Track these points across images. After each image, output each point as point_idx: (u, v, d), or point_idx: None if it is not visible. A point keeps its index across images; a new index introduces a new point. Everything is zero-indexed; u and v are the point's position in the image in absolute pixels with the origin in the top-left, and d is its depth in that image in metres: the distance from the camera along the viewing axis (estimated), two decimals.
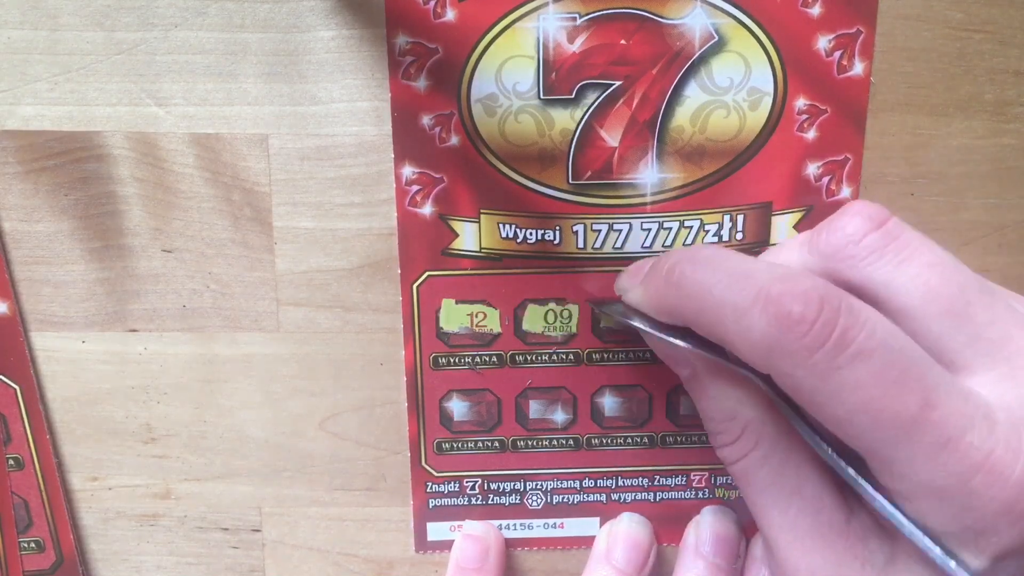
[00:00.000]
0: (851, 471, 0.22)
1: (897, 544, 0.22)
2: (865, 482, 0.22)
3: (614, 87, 0.27)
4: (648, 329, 0.25)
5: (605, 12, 0.26)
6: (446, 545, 0.31)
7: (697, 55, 0.27)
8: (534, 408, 0.30)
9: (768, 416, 0.24)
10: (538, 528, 0.31)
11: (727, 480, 0.31)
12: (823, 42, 0.27)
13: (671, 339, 0.25)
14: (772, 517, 0.24)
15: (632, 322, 0.26)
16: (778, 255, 0.25)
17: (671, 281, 0.24)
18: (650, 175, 0.28)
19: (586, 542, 0.32)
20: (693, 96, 0.27)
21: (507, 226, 0.28)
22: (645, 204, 0.28)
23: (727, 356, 0.24)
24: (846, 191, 0.28)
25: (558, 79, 0.27)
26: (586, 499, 0.31)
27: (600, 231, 0.28)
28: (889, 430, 0.20)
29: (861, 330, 0.21)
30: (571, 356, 0.30)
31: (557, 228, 0.28)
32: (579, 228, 0.28)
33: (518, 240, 0.28)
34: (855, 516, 0.24)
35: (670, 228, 0.28)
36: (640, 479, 0.31)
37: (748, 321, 0.21)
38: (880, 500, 0.22)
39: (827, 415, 0.21)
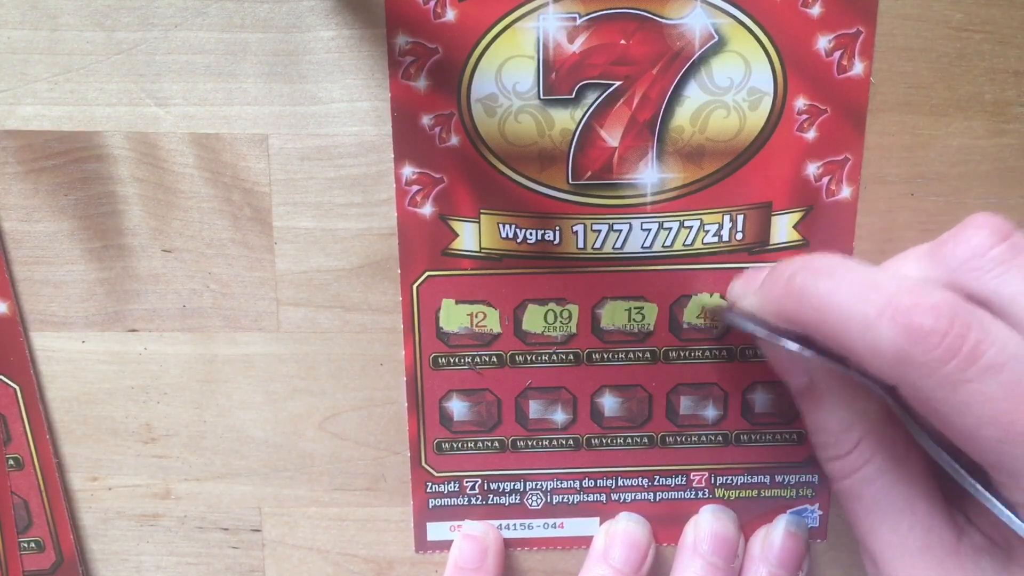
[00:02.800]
0: (976, 484, 0.22)
1: (1012, 562, 0.22)
2: (991, 495, 0.22)
3: (614, 87, 0.27)
4: (768, 337, 0.25)
5: (605, 12, 0.26)
6: (446, 545, 0.31)
7: (697, 55, 0.27)
8: (534, 408, 0.30)
9: (884, 430, 0.24)
10: (538, 528, 0.31)
11: (727, 480, 0.31)
12: (823, 42, 0.27)
13: (795, 347, 0.24)
14: (882, 535, 0.24)
15: (750, 329, 0.26)
16: (899, 266, 0.25)
17: (792, 290, 0.24)
18: (650, 175, 0.28)
19: (586, 542, 0.32)
20: (693, 96, 0.27)
21: (507, 226, 0.28)
22: (645, 204, 0.28)
23: (848, 366, 0.24)
24: (846, 191, 0.28)
25: (558, 79, 0.27)
26: (586, 499, 0.31)
27: (600, 231, 0.28)
28: (1018, 443, 0.20)
29: (992, 344, 0.21)
30: (571, 356, 0.30)
31: (557, 228, 0.28)
32: (579, 228, 0.28)
33: (518, 240, 0.28)
34: (965, 534, 0.24)
35: (670, 228, 0.28)
36: (640, 479, 0.31)
37: (876, 332, 0.21)
38: (1007, 513, 0.22)
39: (955, 427, 0.21)
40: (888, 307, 0.21)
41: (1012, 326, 0.22)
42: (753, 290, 0.26)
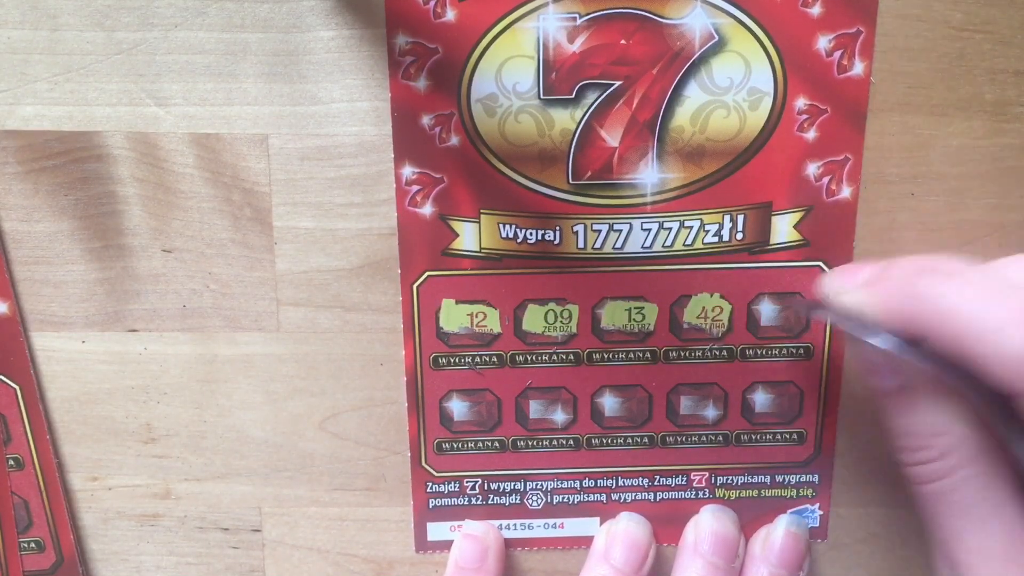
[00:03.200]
0: None
1: None
2: None
3: (614, 87, 0.27)
4: (866, 336, 0.25)
5: (605, 12, 0.26)
6: (446, 545, 0.31)
7: (697, 55, 0.27)
8: (534, 408, 0.30)
9: (974, 438, 0.24)
10: (538, 528, 0.31)
11: (727, 480, 0.31)
12: (823, 42, 0.27)
13: (898, 349, 0.24)
14: (967, 541, 0.24)
15: (845, 326, 0.26)
16: (1006, 269, 0.24)
17: (913, 290, 0.23)
18: (650, 175, 0.28)
19: (586, 542, 0.32)
20: (693, 96, 0.27)
21: (507, 226, 0.28)
22: (645, 204, 0.28)
23: (953, 370, 0.23)
24: (846, 191, 0.28)
25: (558, 79, 0.27)
26: (586, 499, 0.31)
27: (600, 231, 0.28)
28: None
29: None
30: (571, 356, 0.30)
31: (557, 228, 0.28)
32: (579, 228, 0.28)
33: (518, 240, 0.28)
34: None
35: (670, 228, 0.28)
36: (640, 479, 0.31)
37: (1006, 338, 0.21)
38: None
39: None
40: (1020, 312, 0.21)
41: None
42: (856, 287, 0.26)
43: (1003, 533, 0.23)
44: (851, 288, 0.26)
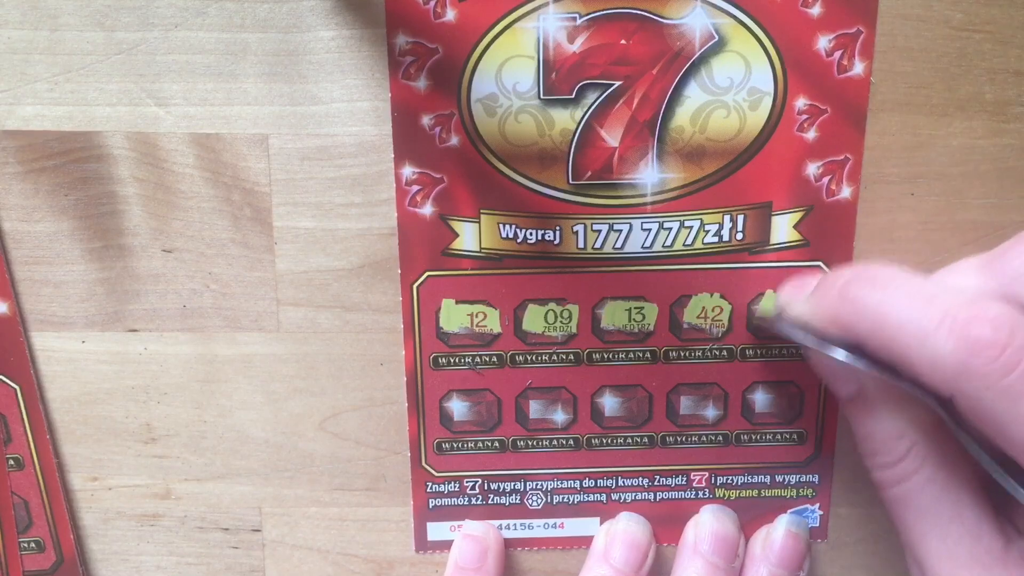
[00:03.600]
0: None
1: None
2: None
3: (614, 87, 0.27)
4: (818, 346, 0.25)
5: (605, 12, 0.26)
6: (446, 545, 0.31)
7: (697, 55, 0.27)
8: (534, 408, 0.30)
9: (934, 439, 0.24)
10: (538, 528, 0.31)
11: (727, 480, 0.31)
12: (823, 42, 0.27)
13: (845, 356, 0.24)
14: (930, 544, 0.24)
15: (798, 338, 0.26)
16: (949, 278, 0.25)
17: (846, 298, 0.24)
18: (650, 175, 0.28)
19: (586, 542, 0.32)
20: (693, 96, 0.27)
21: (507, 226, 0.28)
22: (645, 204, 0.28)
23: (899, 375, 0.24)
24: (846, 191, 0.28)
25: (558, 79, 0.27)
26: (586, 499, 0.31)
27: (600, 231, 0.28)
28: None
29: None
30: (571, 356, 0.30)
31: (557, 228, 0.28)
32: (579, 228, 0.28)
33: (518, 240, 0.28)
34: (1013, 543, 0.24)
35: (670, 228, 0.28)
36: (640, 479, 0.31)
37: (935, 344, 0.22)
38: None
39: (1012, 439, 0.21)
40: (947, 318, 0.22)
41: None
42: (804, 297, 0.26)
43: (965, 534, 0.24)
44: (800, 299, 0.26)
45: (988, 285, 0.23)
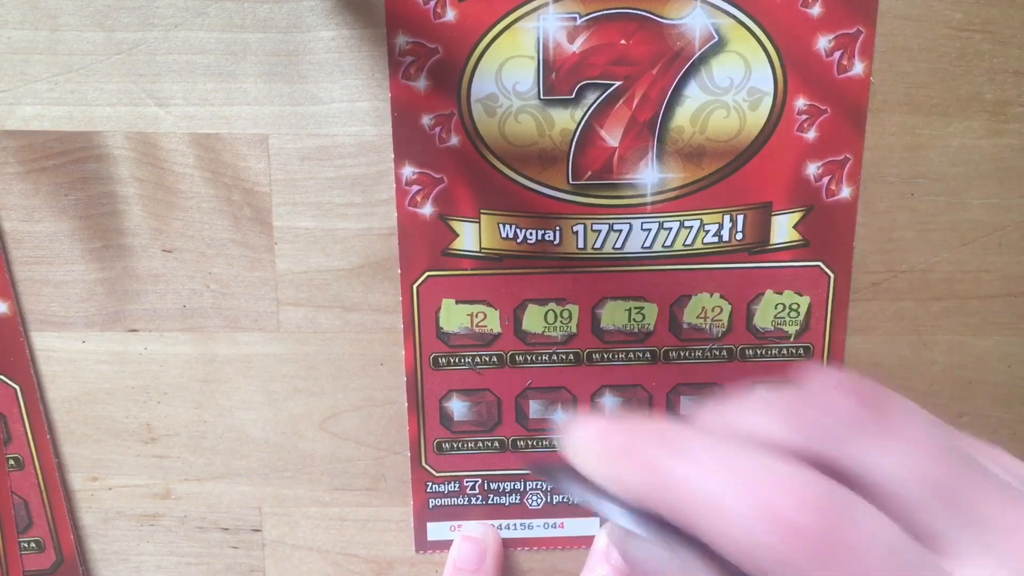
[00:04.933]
0: None
1: None
2: None
3: (614, 87, 0.27)
4: (607, 513, 0.22)
5: (605, 12, 0.26)
6: (446, 545, 0.31)
7: (697, 55, 0.27)
8: (534, 408, 0.30)
9: None
10: (538, 528, 0.31)
11: None
12: (823, 42, 0.27)
13: (632, 527, 0.22)
14: None
15: (583, 499, 0.22)
16: (752, 424, 0.23)
17: (652, 470, 0.22)
18: (650, 175, 0.28)
19: (586, 542, 0.32)
20: (693, 96, 0.27)
21: (507, 226, 0.28)
22: (645, 204, 0.28)
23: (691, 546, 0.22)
24: (846, 191, 0.28)
25: (558, 79, 0.27)
26: None
27: (600, 231, 0.28)
28: None
29: (862, 533, 0.20)
30: (571, 356, 0.30)
31: (557, 228, 0.28)
32: (579, 228, 0.28)
33: (518, 240, 0.28)
34: None
35: (670, 228, 0.28)
36: None
37: (746, 530, 0.20)
38: None
39: None
40: (758, 503, 0.20)
41: (873, 494, 0.21)
42: (598, 453, 0.23)
43: None
44: (593, 454, 0.23)
45: (792, 438, 0.22)
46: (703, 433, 0.22)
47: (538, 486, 0.31)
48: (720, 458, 0.21)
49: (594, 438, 0.23)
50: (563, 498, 0.31)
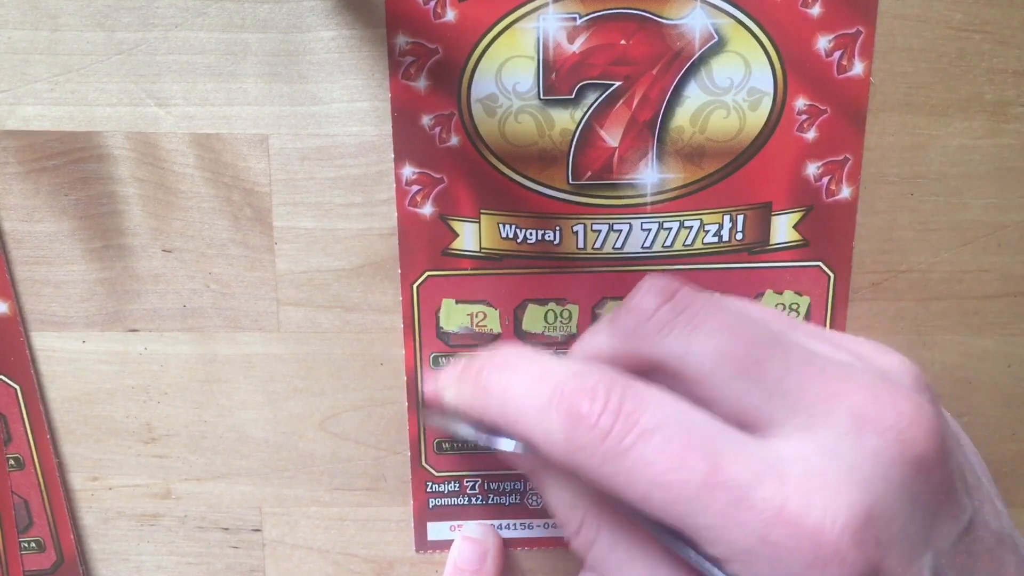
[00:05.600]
0: (684, 547, 0.22)
1: None
2: (698, 556, 0.22)
3: (614, 87, 0.27)
4: (468, 434, 0.25)
5: (605, 12, 0.26)
6: (446, 545, 0.31)
7: (697, 55, 0.27)
8: None
9: (605, 504, 0.24)
10: (538, 528, 0.31)
11: None
12: (823, 42, 0.27)
13: (489, 442, 0.25)
14: None
15: (459, 432, 0.26)
16: (589, 342, 0.25)
17: (479, 385, 0.24)
18: (650, 175, 0.28)
19: None
20: (693, 96, 0.27)
21: (507, 226, 0.28)
22: (645, 204, 0.28)
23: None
24: (846, 191, 0.28)
25: (558, 79, 0.27)
26: None
27: (600, 231, 0.28)
28: (683, 500, 0.21)
29: (644, 411, 0.21)
30: None
31: (557, 228, 0.28)
32: (579, 228, 0.28)
33: (518, 240, 0.28)
34: None
35: (670, 228, 0.28)
36: None
37: (547, 422, 0.22)
38: (709, 568, 0.21)
39: (629, 497, 0.22)
40: (555, 395, 0.22)
41: (684, 383, 0.23)
42: (451, 384, 0.26)
43: None
44: (449, 384, 0.26)
45: (615, 343, 0.24)
46: (530, 351, 0.24)
47: None
48: (536, 367, 0.23)
49: (449, 371, 0.26)
50: None
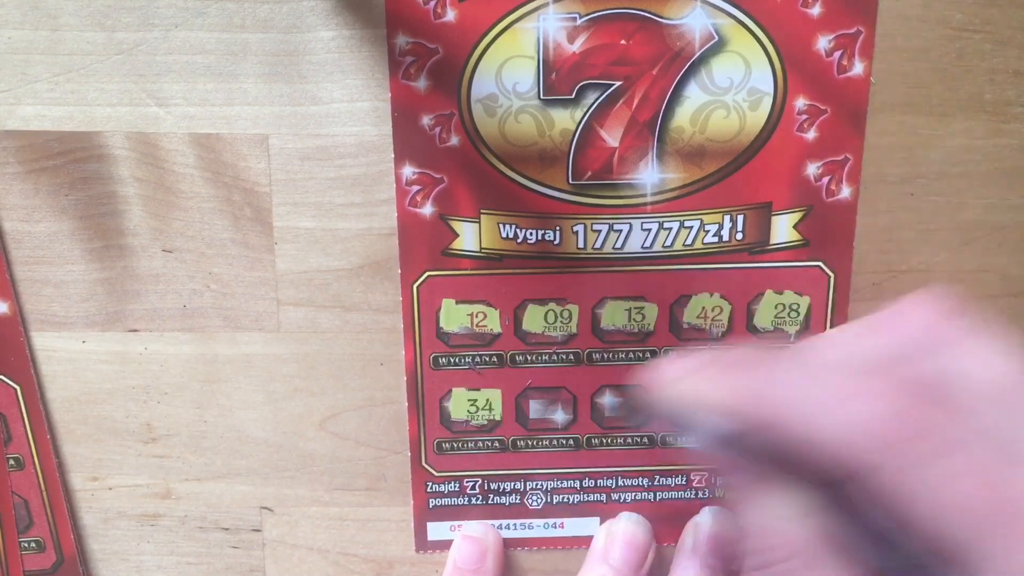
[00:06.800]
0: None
1: None
2: None
3: (614, 87, 0.27)
4: (703, 436, 0.24)
5: (605, 12, 0.26)
6: (446, 545, 0.31)
7: (697, 55, 0.27)
8: (534, 408, 0.30)
9: (804, 528, 0.24)
10: (538, 528, 0.31)
11: (727, 480, 0.31)
12: (823, 42, 0.27)
13: (727, 443, 0.24)
14: None
15: (679, 422, 0.25)
16: (842, 340, 0.24)
17: (755, 376, 0.23)
18: (650, 175, 0.28)
19: (586, 542, 0.32)
20: (693, 96, 0.27)
21: (507, 226, 0.28)
22: (645, 204, 0.28)
23: (783, 464, 0.23)
24: (846, 191, 0.28)
25: (558, 79, 0.27)
26: (586, 499, 0.31)
27: (600, 231, 0.28)
28: (984, 520, 0.20)
29: (954, 421, 0.21)
30: (571, 356, 0.30)
31: (557, 228, 0.28)
32: (579, 228, 0.28)
33: (518, 240, 0.28)
34: None
35: (670, 228, 0.28)
36: (640, 479, 0.31)
37: (842, 418, 0.21)
38: None
39: (927, 509, 0.21)
40: (855, 391, 0.22)
41: (964, 402, 0.22)
42: (691, 374, 0.25)
43: None
44: (685, 375, 0.25)
45: (883, 350, 0.23)
46: (800, 347, 0.24)
47: (538, 486, 0.31)
48: (815, 364, 0.23)
49: (678, 364, 0.25)
50: (563, 498, 0.31)
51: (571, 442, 0.31)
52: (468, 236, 0.28)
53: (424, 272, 0.29)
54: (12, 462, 0.30)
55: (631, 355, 0.30)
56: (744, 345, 0.25)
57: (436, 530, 0.31)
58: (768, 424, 0.23)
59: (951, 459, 0.20)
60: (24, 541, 0.31)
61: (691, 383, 0.25)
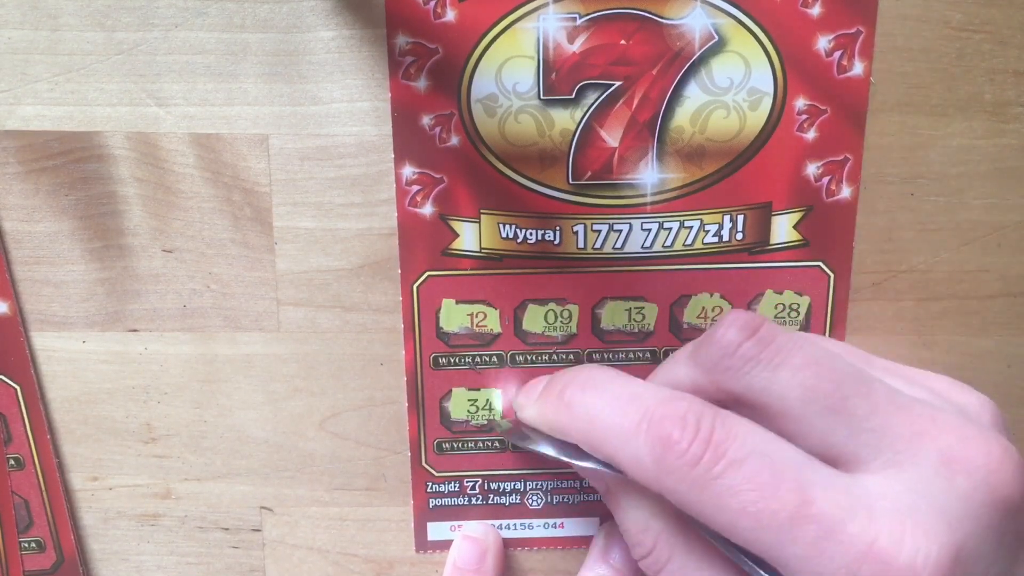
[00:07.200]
0: (762, 572, 0.22)
1: None
2: None
3: (614, 87, 0.27)
4: (549, 452, 0.26)
5: (605, 12, 0.26)
6: (446, 545, 0.31)
7: (697, 55, 0.27)
8: None
9: (679, 527, 0.24)
10: (538, 528, 0.31)
11: None
12: (823, 42, 0.27)
13: (571, 459, 0.25)
14: None
15: (534, 447, 0.27)
16: (668, 371, 0.26)
17: (563, 403, 0.25)
18: (650, 175, 0.28)
19: (586, 542, 0.32)
20: (693, 96, 0.27)
21: (507, 226, 0.28)
22: (645, 204, 0.28)
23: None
24: (846, 191, 0.28)
25: (558, 79, 0.27)
26: (586, 499, 0.31)
27: (600, 231, 0.28)
28: (771, 530, 0.21)
29: (733, 441, 0.22)
30: (571, 356, 0.30)
31: (557, 228, 0.28)
32: (579, 228, 0.28)
33: (518, 240, 0.28)
34: None
35: (670, 228, 0.28)
36: None
37: (635, 445, 0.23)
38: None
39: (715, 524, 0.22)
40: (644, 420, 0.23)
41: (768, 418, 0.23)
42: (531, 403, 0.27)
43: None
44: (528, 403, 0.27)
45: (697, 375, 0.24)
46: (613, 372, 0.25)
47: (538, 486, 0.31)
48: (623, 389, 0.24)
49: (529, 390, 0.27)
50: (563, 498, 0.31)
51: None
52: (468, 236, 0.28)
53: (424, 272, 0.29)
54: (12, 462, 0.30)
55: (631, 355, 0.30)
56: (588, 365, 0.28)
57: (436, 530, 0.31)
58: (584, 444, 0.25)
59: (728, 477, 0.22)
60: (24, 541, 0.31)
61: (531, 411, 0.27)
